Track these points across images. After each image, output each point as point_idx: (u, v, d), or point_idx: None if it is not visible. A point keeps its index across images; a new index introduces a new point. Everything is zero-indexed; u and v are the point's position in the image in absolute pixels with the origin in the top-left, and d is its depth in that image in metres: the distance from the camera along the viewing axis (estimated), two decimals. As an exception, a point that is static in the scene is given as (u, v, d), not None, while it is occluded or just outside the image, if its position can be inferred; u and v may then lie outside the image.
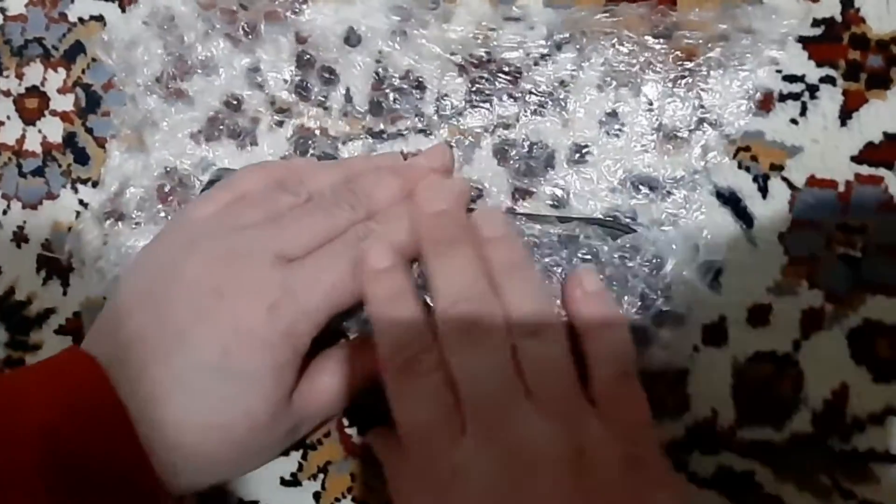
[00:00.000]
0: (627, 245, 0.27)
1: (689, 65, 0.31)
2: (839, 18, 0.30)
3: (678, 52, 0.31)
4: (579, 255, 0.27)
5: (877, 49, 0.29)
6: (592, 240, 0.28)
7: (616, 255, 0.27)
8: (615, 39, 0.32)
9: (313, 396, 0.27)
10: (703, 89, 0.31)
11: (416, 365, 0.25)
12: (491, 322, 0.25)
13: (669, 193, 0.30)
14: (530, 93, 0.32)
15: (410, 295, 0.26)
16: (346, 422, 0.32)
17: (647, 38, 0.31)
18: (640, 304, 0.27)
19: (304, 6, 0.35)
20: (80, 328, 0.36)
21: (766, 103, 0.30)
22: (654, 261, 0.27)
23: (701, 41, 0.31)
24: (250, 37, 0.35)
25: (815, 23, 0.30)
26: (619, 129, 0.31)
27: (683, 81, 0.31)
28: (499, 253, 0.26)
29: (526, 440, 0.23)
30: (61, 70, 0.38)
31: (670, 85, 0.31)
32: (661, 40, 0.31)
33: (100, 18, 0.38)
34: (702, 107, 0.31)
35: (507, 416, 0.24)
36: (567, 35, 0.32)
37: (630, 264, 0.27)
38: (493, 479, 0.23)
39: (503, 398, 0.24)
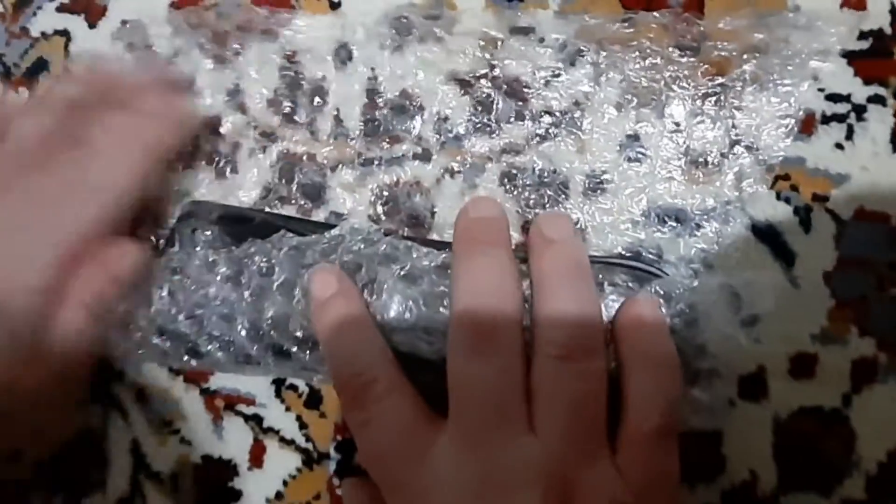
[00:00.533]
0: (656, 291, 0.24)
1: (721, 80, 0.28)
2: (888, 31, 0.27)
3: (707, 67, 0.28)
4: (602, 304, 0.24)
5: (932, 65, 0.26)
6: (618, 287, 0.24)
7: None
8: (636, 53, 0.28)
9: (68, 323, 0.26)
10: (736, 108, 0.27)
11: (369, 391, 0.24)
12: (504, 328, 0.23)
13: (699, 226, 0.27)
14: (541, 113, 0.29)
15: (358, 321, 0.24)
16: (336, 481, 0.29)
17: (671, 50, 0.28)
18: None
19: (291, 19, 0.32)
20: None
21: (807, 126, 0.27)
22: (688, 311, 0.24)
23: (733, 53, 0.28)
24: (230, 53, 0.32)
25: (862, 35, 0.27)
26: (642, 154, 0.28)
27: (714, 99, 0.28)
28: (553, 258, 0.24)
29: (509, 460, 0.22)
30: (23, 90, 0.34)
31: (699, 103, 0.28)
32: (688, 53, 0.28)
33: (65, 33, 0.34)
34: (735, 128, 0.27)
35: (493, 430, 0.22)
36: (581, 48, 0.29)
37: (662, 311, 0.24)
38: (463, 490, 0.22)
39: (494, 412, 0.22)
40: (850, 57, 0.27)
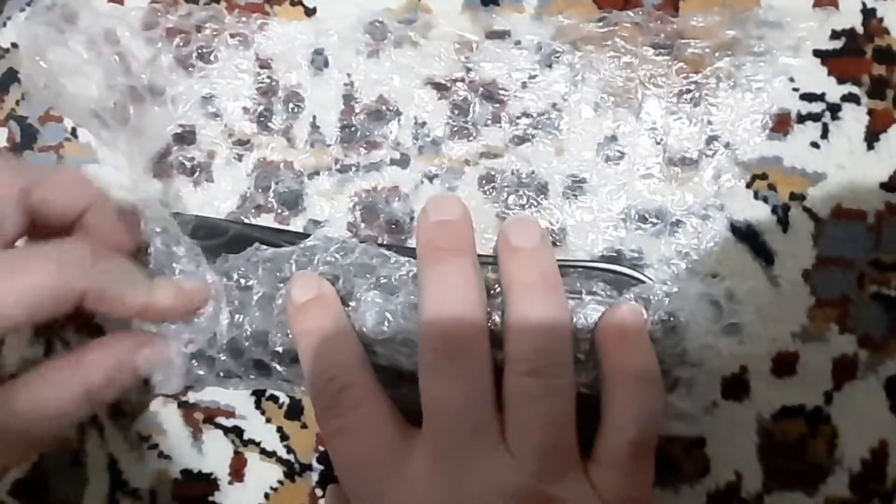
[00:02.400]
0: (635, 299, 0.24)
1: (695, 77, 0.28)
2: (860, 30, 0.27)
3: (682, 64, 0.28)
4: (581, 315, 0.24)
5: (904, 63, 0.26)
6: (597, 295, 0.24)
7: None
8: (611, 53, 0.28)
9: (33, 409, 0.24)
10: (711, 104, 0.28)
11: (345, 397, 0.23)
12: (471, 344, 0.22)
13: (678, 226, 0.27)
14: (518, 115, 0.29)
15: (336, 327, 0.24)
16: (318, 492, 0.29)
17: (646, 49, 0.28)
18: None
19: (265, 26, 0.31)
20: None
21: (782, 125, 0.27)
22: (669, 319, 0.23)
23: (707, 51, 0.28)
24: (204, 60, 0.31)
25: (835, 35, 0.27)
26: (620, 153, 0.28)
27: (689, 96, 0.28)
28: (520, 269, 0.23)
29: (482, 475, 0.22)
30: (-8, 102, 0.34)
31: (674, 101, 0.28)
32: (663, 51, 0.28)
33: (35, 43, 0.34)
34: (710, 124, 0.28)
35: (466, 446, 0.22)
36: (557, 50, 0.29)
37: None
38: None
39: (466, 428, 0.22)
40: (824, 56, 0.27)
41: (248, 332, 0.26)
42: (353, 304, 0.25)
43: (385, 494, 0.23)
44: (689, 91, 0.28)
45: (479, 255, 0.27)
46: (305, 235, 0.27)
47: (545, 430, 0.22)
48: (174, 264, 0.27)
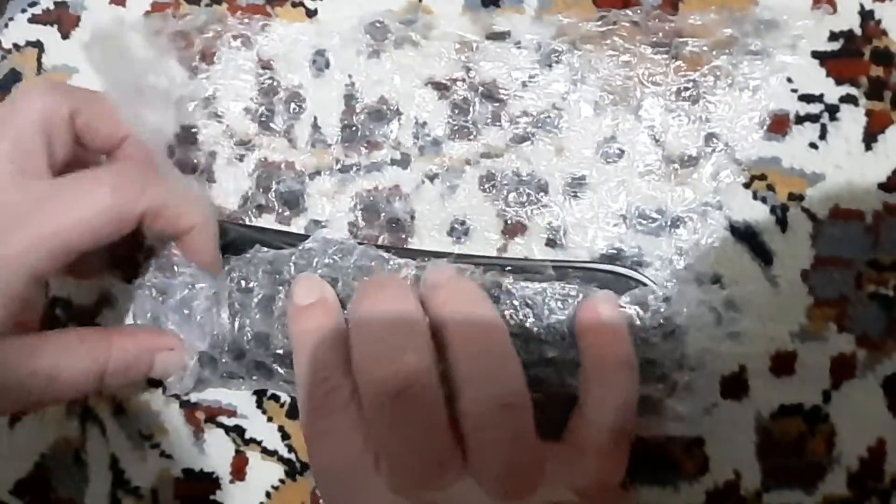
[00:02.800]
0: (633, 302, 0.24)
1: (693, 76, 0.28)
2: (859, 31, 0.27)
3: (680, 63, 0.28)
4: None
5: (902, 64, 0.27)
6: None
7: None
8: (610, 52, 0.29)
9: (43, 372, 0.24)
10: (709, 102, 0.28)
11: (333, 398, 0.23)
12: (416, 383, 0.21)
13: (678, 225, 0.27)
14: (518, 115, 0.29)
15: (334, 331, 0.24)
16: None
17: (644, 48, 0.28)
18: (655, 374, 0.24)
19: (267, 27, 0.31)
20: None
21: (781, 126, 0.27)
22: (665, 324, 0.23)
23: (705, 49, 0.28)
24: (206, 62, 0.32)
25: (833, 36, 0.27)
26: (619, 152, 0.28)
27: (687, 94, 0.28)
28: (443, 303, 0.23)
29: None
30: (-5, 101, 0.34)
31: (673, 99, 0.28)
32: (661, 50, 0.28)
33: (37, 45, 0.34)
34: (709, 122, 0.28)
35: (428, 481, 0.22)
36: (557, 50, 0.29)
37: (638, 323, 0.24)
38: None
39: (428, 470, 0.22)
40: (822, 57, 0.27)
41: (250, 335, 0.27)
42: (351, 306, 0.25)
43: (359, 497, 0.22)
44: (687, 89, 0.28)
45: (479, 257, 0.27)
46: (306, 237, 0.28)
47: (507, 454, 0.22)
48: (175, 267, 0.28)
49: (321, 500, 0.29)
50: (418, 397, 0.21)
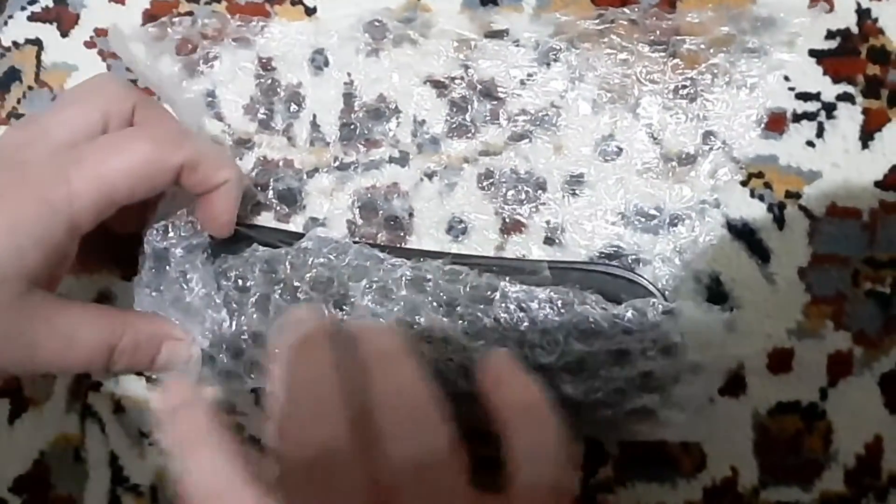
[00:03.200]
0: (630, 316, 0.24)
1: (691, 74, 0.28)
2: (855, 30, 0.27)
3: (677, 61, 0.28)
4: (575, 332, 0.24)
5: (898, 62, 0.27)
6: (589, 307, 0.24)
7: (621, 330, 0.24)
8: (607, 50, 0.29)
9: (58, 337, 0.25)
10: (707, 100, 0.28)
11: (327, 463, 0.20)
12: (335, 462, 0.20)
13: (675, 223, 0.27)
14: (516, 113, 0.29)
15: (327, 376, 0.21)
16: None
17: (642, 46, 0.28)
18: (650, 385, 0.24)
19: (266, 26, 0.32)
20: None
21: (778, 124, 0.27)
22: (665, 340, 0.24)
23: (702, 47, 0.28)
24: (205, 61, 0.32)
25: (830, 35, 0.27)
26: (617, 150, 0.28)
27: (685, 92, 0.28)
28: (370, 355, 0.22)
29: None
30: (-5, 99, 0.34)
31: (671, 97, 0.28)
32: (658, 48, 0.28)
33: (37, 42, 0.34)
34: (706, 119, 0.28)
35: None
36: (555, 48, 0.29)
37: (635, 335, 0.24)
38: None
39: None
40: (819, 56, 0.27)
41: (248, 333, 0.27)
42: (347, 308, 0.25)
43: None
44: (685, 87, 0.28)
45: (475, 257, 0.27)
46: (302, 235, 0.28)
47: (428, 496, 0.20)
48: (169, 265, 0.28)
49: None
50: (331, 469, 0.20)
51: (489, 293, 0.25)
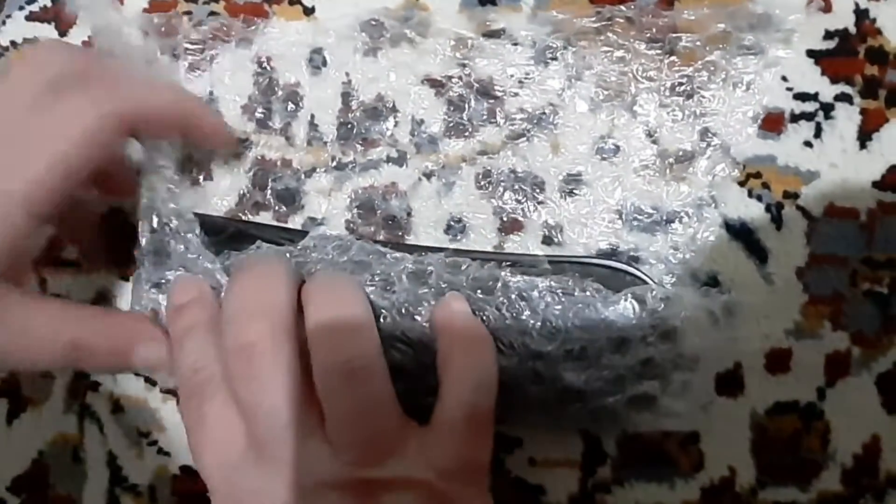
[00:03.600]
0: (629, 304, 0.24)
1: (687, 71, 0.28)
2: (853, 30, 0.27)
3: (674, 58, 0.28)
4: (576, 320, 0.24)
5: (896, 63, 0.27)
6: (589, 295, 0.24)
7: (620, 317, 0.24)
8: (604, 47, 0.29)
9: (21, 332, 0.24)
10: (704, 97, 0.28)
11: (203, 388, 0.24)
12: (273, 349, 0.23)
13: (673, 222, 0.27)
14: (514, 113, 0.29)
15: (207, 325, 0.25)
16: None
17: (638, 44, 0.28)
18: (651, 372, 0.24)
19: (264, 26, 0.31)
20: None
21: (776, 124, 0.27)
22: (664, 325, 0.24)
23: (698, 44, 0.28)
24: (204, 60, 0.32)
25: (828, 35, 0.27)
26: (615, 148, 0.28)
27: (682, 90, 0.28)
28: (313, 279, 0.25)
29: (306, 469, 0.23)
30: (-8, 99, 0.34)
31: (667, 95, 0.28)
32: (655, 46, 0.28)
33: (34, 42, 0.34)
34: (703, 116, 0.28)
35: (285, 444, 0.23)
36: (552, 46, 0.29)
37: (635, 321, 0.24)
38: (274, 499, 0.22)
39: (281, 430, 0.23)
40: (817, 56, 0.27)
41: None
42: None
43: (232, 488, 0.23)
44: (681, 85, 0.28)
45: (476, 252, 0.27)
46: (305, 233, 0.28)
47: (357, 421, 0.23)
48: (169, 258, 0.28)
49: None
50: (265, 350, 0.23)
51: (490, 283, 0.25)
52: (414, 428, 0.24)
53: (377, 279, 0.25)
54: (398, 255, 0.26)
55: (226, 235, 0.28)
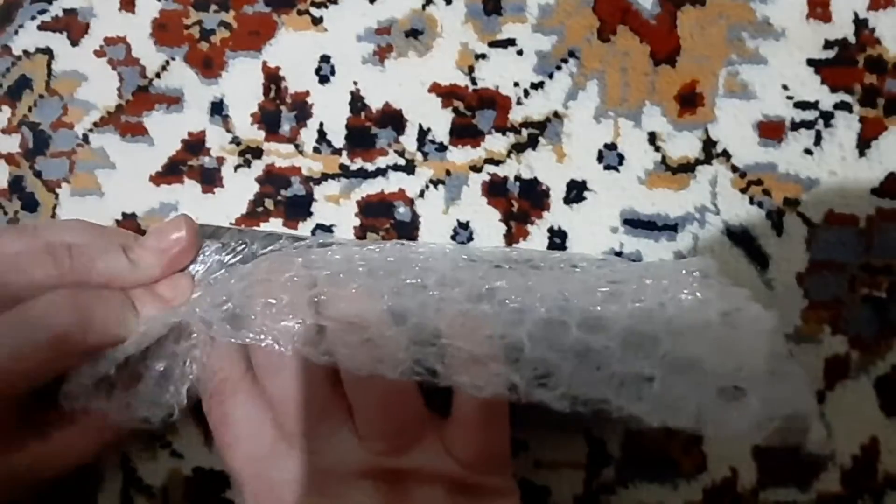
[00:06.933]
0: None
1: (694, 89, 0.29)
2: (853, 40, 0.28)
3: (677, 68, 0.29)
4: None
5: (894, 72, 0.27)
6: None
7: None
8: (610, 60, 0.29)
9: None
10: (706, 105, 0.28)
11: (224, 385, 0.25)
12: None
13: (677, 227, 0.28)
14: (521, 124, 0.30)
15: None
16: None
17: (646, 60, 0.29)
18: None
19: (274, 35, 0.32)
20: None
21: (777, 133, 0.28)
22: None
23: (701, 53, 0.28)
24: (214, 69, 0.32)
25: (828, 44, 0.28)
26: (619, 160, 0.29)
27: (686, 101, 0.29)
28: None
29: (334, 458, 0.24)
30: (5, 108, 0.34)
31: (672, 108, 0.29)
32: (658, 54, 0.29)
33: (47, 51, 0.34)
34: (706, 124, 0.28)
35: (314, 436, 0.24)
36: (558, 58, 0.30)
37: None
38: (304, 488, 0.23)
39: (310, 421, 0.24)
40: (817, 65, 0.28)
41: None
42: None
43: (262, 479, 0.24)
44: (686, 98, 0.29)
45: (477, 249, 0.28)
46: (305, 237, 0.28)
47: (384, 412, 0.24)
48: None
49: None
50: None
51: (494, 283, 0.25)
52: (436, 420, 0.25)
53: (407, 280, 0.26)
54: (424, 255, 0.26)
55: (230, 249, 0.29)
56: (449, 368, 0.22)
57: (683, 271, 0.25)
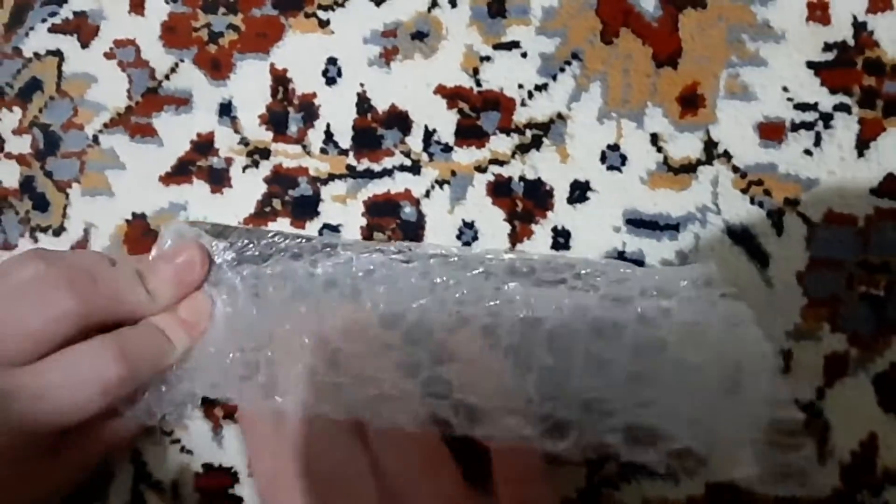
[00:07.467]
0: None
1: (695, 91, 0.29)
2: (852, 42, 0.28)
3: (682, 77, 0.29)
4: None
5: (893, 74, 0.28)
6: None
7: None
8: (613, 63, 0.30)
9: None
10: (709, 112, 0.29)
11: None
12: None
13: (679, 227, 0.28)
14: (525, 125, 0.30)
15: None
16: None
17: (648, 62, 0.29)
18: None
19: (281, 37, 0.33)
20: None
21: (777, 133, 0.28)
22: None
23: (702, 55, 0.29)
24: (222, 70, 0.33)
25: (827, 47, 0.28)
26: (622, 161, 0.29)
27: (687, 102, 0.29)
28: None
29: None
30: (16, 109, 0.35)
31: (674, 109, 0.29)
32: (660, 56, 0.29)
33: (57, 53, 0.35)
34: (708, 128, 0.29)
35: (347, 491, 0.23)
36: (561, 60, 0.30)
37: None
38: None
39: (343, 496, 0.24)
40: (817, 67, 0.28)
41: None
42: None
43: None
44: (688, 100, 0.29)
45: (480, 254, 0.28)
46: (312, 237, 0.29)
47: (418, 488, 0.23)
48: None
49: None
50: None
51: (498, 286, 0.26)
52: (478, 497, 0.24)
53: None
54: (412, 264, 0.27)
55: (242, 248, 0.29)
56: (462, 420, 0.23)
57: (684, 282, 0.25)
